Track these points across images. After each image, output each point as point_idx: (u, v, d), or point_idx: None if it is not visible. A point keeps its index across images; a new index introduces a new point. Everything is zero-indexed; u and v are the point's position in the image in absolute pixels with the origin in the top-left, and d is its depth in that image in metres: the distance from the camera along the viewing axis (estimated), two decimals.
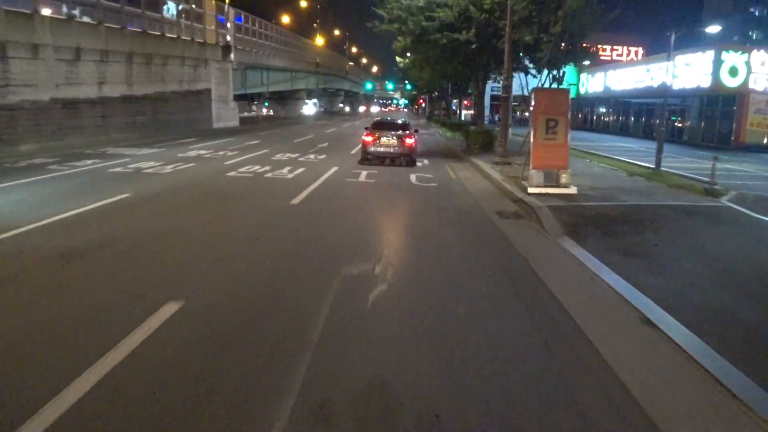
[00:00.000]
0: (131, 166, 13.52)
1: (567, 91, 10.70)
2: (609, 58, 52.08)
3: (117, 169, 12.85)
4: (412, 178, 12.83)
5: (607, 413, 3.08)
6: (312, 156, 17.17)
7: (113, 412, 2.92)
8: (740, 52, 28.93)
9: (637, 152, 22.39)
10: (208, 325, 4.05)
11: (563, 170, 9.75)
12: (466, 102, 55.84)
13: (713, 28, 31.36)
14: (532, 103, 9.89)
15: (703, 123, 33.23)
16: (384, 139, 14.93)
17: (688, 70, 31.38)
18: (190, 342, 3.77)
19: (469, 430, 2.87)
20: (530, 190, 9.58)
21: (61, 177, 11.43)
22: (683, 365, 3.67)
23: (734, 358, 3.68)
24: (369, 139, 14.99)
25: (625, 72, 40.97)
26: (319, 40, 77.87)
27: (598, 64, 48.69)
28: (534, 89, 10.51)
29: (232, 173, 12.61)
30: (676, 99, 36.84)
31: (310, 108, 68.40)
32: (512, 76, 14.19)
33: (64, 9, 20.18)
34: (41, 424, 2.77)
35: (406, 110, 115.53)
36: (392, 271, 5.49)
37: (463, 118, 34.88)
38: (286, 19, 68.66)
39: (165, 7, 27.68)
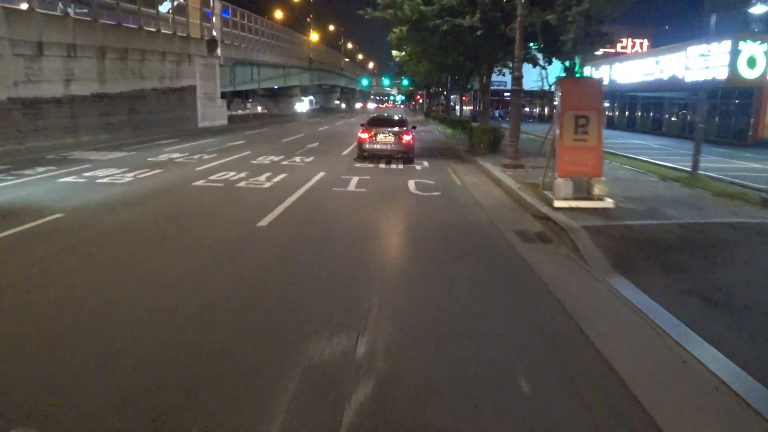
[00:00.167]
0: (88, 174, 11.68)
1: (599, 81, 8.90)
2: (613, 51, 50.19)
3: (68, 179, 11.01)
4: (411, 184, 11.02)
5: None
6: (298, 159, 15.33)
7: None
8: (759, 42, 27.10)
9: (653, 150, 20.61)
10: None
11: (596, 179, 7.94)
12: (464, 97, 54.00)
13: (759, 8, 29.39)
14: (557, 96, 8.07)
15: (717, 118, 31.44)
16: (381, 137, 14.36)
17: (703, 62, 29.54)
18: None
19: None
20: (557, 203, 7.77)
21: None
22: None
23: None
24: (365, 136, 14.42)
25: (632, 65, 39.14)
26: (314, 36, 75.91)
27: (603, 56, 46.94)
28: (559, 79, 8.70)
29: (200, 182, 10.77)
30: (683, 93, 35.12)
31: (303, 105, 66.41)
32: (521, 66, 12.36)
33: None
34: None
35: (402, 107, 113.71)
36: (383, 353, 3.61)
37: (461, 114, 32.99)
38: (279, 14, 66.68)
39: None
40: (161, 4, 26.84)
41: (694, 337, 3.95)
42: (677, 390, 3.31)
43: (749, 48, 26.84)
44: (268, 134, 26.54)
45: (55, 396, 2.94)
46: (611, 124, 44.41)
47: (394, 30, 25.85)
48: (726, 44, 27.41)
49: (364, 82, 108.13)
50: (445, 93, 58.05)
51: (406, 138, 14.40)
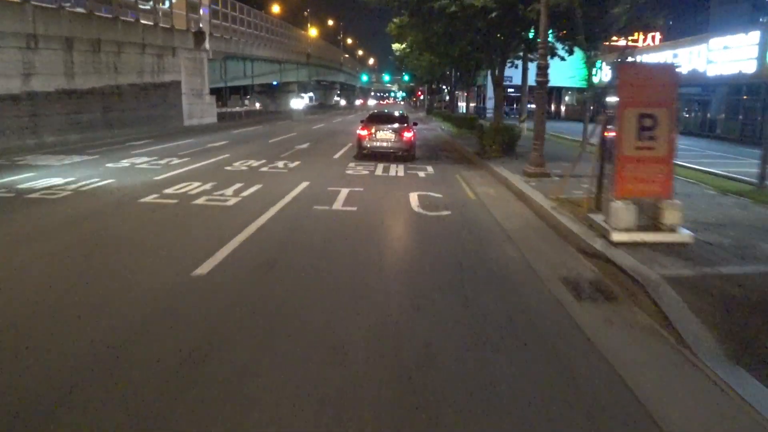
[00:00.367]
0: (22, 186, 9.58)
1: (672, 68, 6.74)
2: (623, 44, 47.83)
3: None
4: (413, 199, 8.88)
5: None
6: (281, 163, 13.18)
7: None
8: None
9: (680, 151, 18.40)
10: None
11: (668, 202, 5.80)
12: (467, 93, 51.68)
13: None
14: (610, 87, 5.92)
15: (741, 115, 29.24)
16: (380, 134, 13.85)
17: (727, 54, 27.34)
18: None
19: None
20: (615, 236, 5.62)
21: None
22: None
23: None
24: (364, 133, 13.92)
25: (646, 58, 36.86)
26: (312, 31, 73.60)
27: (613, 49, 44.71)
28: (619, 64, 6.53)
29: (150, 198, 8.63)
30: (697, 88, 33.02)
31: (299, 102, 64.28)
32: (547, 54, 10.21)
33: None
34: None
35: (403, 103, 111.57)
36: None
37: (467, 110, 30.81)
38: (276, 8, 64.29)
39: None
40: None
41: None
42: None
43: None
44: (257, 133, 24.39)
45: None
46: None
47: (394, 20, 23.74)
48: (754, 35, 25.25)
49: (364, 77, 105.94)
50: (447, 89, 55.76)
51: (407, 135, 13.84)
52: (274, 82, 60.84)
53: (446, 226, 7.24)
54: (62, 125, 19.13)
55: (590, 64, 21.69)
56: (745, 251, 5.55)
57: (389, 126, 14.12)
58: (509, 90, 52.24)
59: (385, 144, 13.90)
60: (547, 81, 10.23)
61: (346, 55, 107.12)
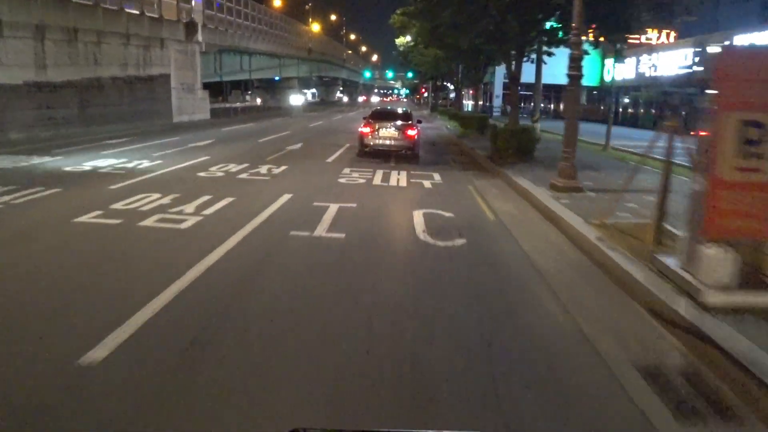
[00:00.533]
0: None
1: None
2: (637, 41, 45.93)
3: None
4: (418, 220, 7.16)
5: None
6: (265, 168, 11.45)
7: None
8: None
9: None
10: None
11: None
12: (472, 91, 49.75)
13: None
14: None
15: None
16: (383, 131, 13.55)
17: None
18: None
19: None
20: (711, 298, 3.89)
21: None
22: None
23: None
24: (367, 130, 13.60)
25: (665, 56, 34.99)
26: (315, 27, 71.74)
27: (627, 47, 42.90)
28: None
29: (90, 216, 6.91)
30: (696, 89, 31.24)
31: (298, 98, 62.61)
32: (581, 41, 8.46)
33: None
34: None
35: (406, 100, 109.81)
36: None
37: (477, 109, 29.01)
38: (277, 1, 62.42)
39: None
40: None
41: None
42: None
43: None
44: (249, 131, 22.65)
45: None
46: (635, 121, 40.33)
47: (397, 11, 22.03)
48: None
49: (367, 74, 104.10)
50: (452, 85, 53.76)
51: (411, 132, 13.48)
52: (276, 78, 59.08)
53: (462, 264, 5.51)
54: (31, 121, 17.45)
55: (615, 58, 19.91)
56: None
57: (392, 123, 13.76)
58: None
59: (388, 142, 13.56)
60: (581, 75, 8.47)
61: (349, 51, 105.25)
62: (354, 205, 7.95)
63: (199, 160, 12.76)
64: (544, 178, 10.09)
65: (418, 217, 7.35)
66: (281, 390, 3.04)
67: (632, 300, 4.52)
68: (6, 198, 7.92)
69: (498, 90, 45.48)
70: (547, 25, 13.47)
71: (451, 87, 53.98)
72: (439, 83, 52.53)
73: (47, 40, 18.04)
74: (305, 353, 3.48)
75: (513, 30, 12.40)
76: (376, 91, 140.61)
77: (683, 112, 35.04)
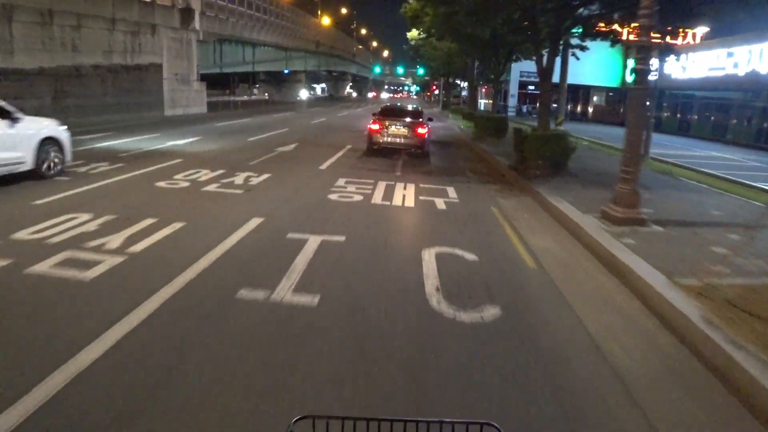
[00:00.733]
0: None
1: None
2: (660, 41, 43.35)
3: None
4: (429, 268, 5.06)
5: None
6: (241, 177, 9.39)
7: None
8: None
9: (750, 170, 14.49)
10: None
11: None
12: (484, 89, 47.42)
13: None
14: None
15: None
16: (393, 128, 13.22)
17: None
18: None
19: None
20: None
21: None
22: None
23: None
24: (376, 127, 13.28)
25: (694, 57, 32.58)
26: (325, 20, 69.57)
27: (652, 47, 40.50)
28: None
29: None
30: (738, 92, 29.02)
31: (302, 92, 60.74)
32: (650, 25, 6.35)
33: None
34: None
35: (416, 97, 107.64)
36: None
37: (495, 109, 26.80)
38: None
39: None
40: None
41: None
42: None
43: None
44: (243, 127, 20.61)
45: None
46: (657, 126, 37.89)
47: (410, 0, 19.93)
48: None
49: (377, 69, 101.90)
50: (464, 83, 51.35)
51: (421, 131, 13.07)
52: (286, 71, 57.09)
53: (498, 362, 3.42)
54: None
55: (663, 55, 17.72)
56: None
57: (402, 121, 13.33)
58: (529, 87, 48.25)
59: (397, 140, 13.15)
60: (647, 70, 6.37)
61: (360, 46, 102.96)
62: (342, 238, 5.86)
63: (169, 163, 10.75)
64: (587, 199, 7.99)
65: (429, 261, 5.27)
66: None
67: None
68: None
69: (513, 88, 43.17)
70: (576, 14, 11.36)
71: (464, 84, 51.75)
72: (451, 80, 50.29)
73: (15, 22, 16.09)
74: None
75: (546, 18, 10.28)
76: (386, 87, 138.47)
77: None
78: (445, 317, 4.01)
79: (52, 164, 8.79)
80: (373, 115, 13.88)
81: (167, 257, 5.01)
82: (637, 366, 3.49)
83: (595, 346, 3.71)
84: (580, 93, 46.07)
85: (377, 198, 8.18)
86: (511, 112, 40.72)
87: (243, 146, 14.37)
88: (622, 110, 45.43)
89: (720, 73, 29.38)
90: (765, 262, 5.18)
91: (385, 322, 3.90)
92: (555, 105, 49.21)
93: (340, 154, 13.47)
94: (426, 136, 13.16)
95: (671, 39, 39.28)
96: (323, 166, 11.20)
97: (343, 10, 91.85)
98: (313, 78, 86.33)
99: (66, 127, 9.44)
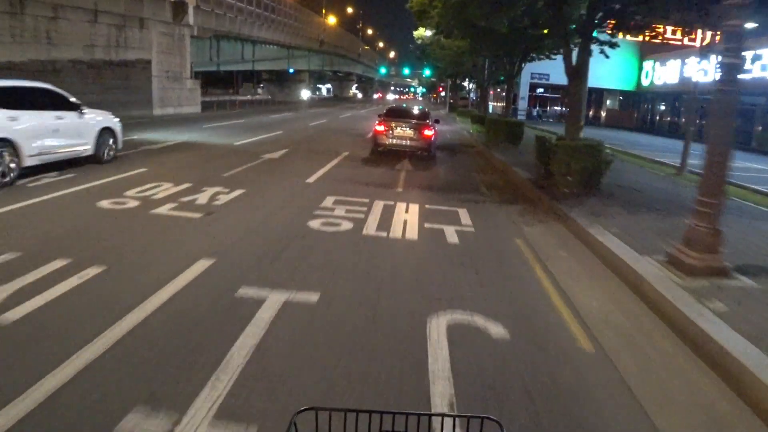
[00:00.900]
0: None
1: None
2: (679, 43, 41.49)
3: None
4: (438, 354, 3.35)
5: None
6: (206, 195, 7.68)
7: None
8: None
9: None
10: None
11: None
12: (491, 90, 45.50)
13: None
14: None
15: None
16: (398, 130, 12.92)
17: None
18: None
19: None
20: None
21: None
22: None
23: None
24: (381, 128, 13.03)
25: (715, 60, 30.48)
26: (331, 20, 67.96)
27: (670, 49, 38.65)
28: None
29: None
30: (763, 97, 27.30)
31: (304, 92, 59.24)
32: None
33: None
34: None
35: (421, 99, 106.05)
36: None
37: (510, 112, 25.03)
38: None
39: None
40: None
41: None
42: None
43: None
44: (233, 129, 18.95)
45: None
46: (674, 132, 36.05)
47: None
48: None
49: (382, 70, 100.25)
50: (471, 85, 49.54)
51: (427, 132, 12.86)
52: (291, 70, 55.49)
53: None
54: None
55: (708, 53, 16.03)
56: None
57: (408, 122, 13.01)
58: (539, 90, 46.34)
59: (403, 141, 12.85)
60: (742, 65, 4.65)
61: (366, 47, 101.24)
62: (314, 297, 4.15)
63: (129, 174, 9.08)
64: (638, 231, 6.27)
65: (437, 340, 3.55)
66: None
67: None
68: None
69: (524, 91, 41.32)
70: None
71: (471, 86, 49.94)
72: (459, 81, 48.54)
73: None
74: None
75: (576, 8, 8.58)
76: (392, 88, 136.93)
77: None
78: None
79: (107, 151, 10.09)
80: (379, 116, 13.58)
81: (44, 338, 3.32)
82: None
83: None
84: (593, 96, 44.23)
85: (371, 226, 6.46)
86: (521, 115, 38.90)
87: (225, 152, 12.70)
88: (635, 114, 43.63)
89: (747, 77, 27.54)
90: None
91: None
92: (557, 108, 47.43)
93: (334, 162, 11.78)
94: (433, 138, 12.90)
95: (689, 39, 36.67)
96: (311, 179, 9.49)
97: (349, 10, 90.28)
98: (318, 78, 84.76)
99: (119, 119, 10.63)
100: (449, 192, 9.19)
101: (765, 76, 25.98)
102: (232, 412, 2.66)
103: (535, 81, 40.95)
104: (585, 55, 9.43)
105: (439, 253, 5.62)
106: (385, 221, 6.72)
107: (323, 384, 2.99)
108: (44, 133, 8.40)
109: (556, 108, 47.08)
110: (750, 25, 13.27)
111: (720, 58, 4.74)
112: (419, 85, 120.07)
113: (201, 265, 4.69)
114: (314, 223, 6.38)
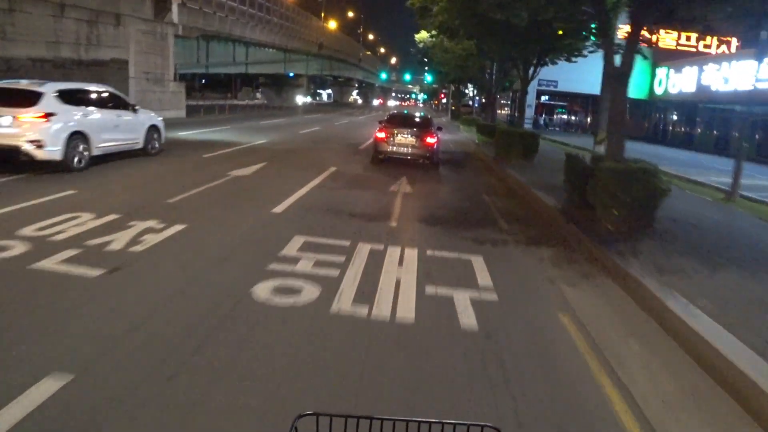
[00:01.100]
0: None
1: None
2: (694, 50, 39.49)
3: None
4: None
5: None
6: (128, 235, 5.61)
7: None
8: None
9: None
10: None
11: None
12: (491, 98, 43.49)
13: None
14: None
15: None
16: (400, 137, 12.51)
17: None
18: None
19: None
20: None
21: None
22: None
23: None
24: (382, 135, 12.62)
25: (737, 67, 28.70)
26: (332, 24, 66.17)
27: (685, 56, 36.73)
28: None
29: None
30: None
31: (298, 98, 57.50)
32: None
33: None
34: None
35: (423, 105, 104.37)
36: None
37: (519, 120, 23.04)
38: None
39: None
40: None
41: None
42: None
43: None
44: (210, 138, 16.93)
45: None
46: (688, 143, 34.08)
47: None
48: None
49: (383, 75, 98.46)
50: (473, 91, 47.68)
51: (430, 140, 12.47)
52: (290, 74, 53.62)
53: None
54: None
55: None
56: None
57: (410, 129, 12.76)
58: (543, 97, 44.38)
59: (404, 149, 12.59)
60: None
61: (367, 52, 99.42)
62: None
63: (49, 198, 7.07)
64: (739, 304, 4.24)
65: None
66: None
67: None
68: None
69: (530, 98, 39.33)
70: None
71: (473, 92, 48.05)
72: (462, 87, 46.61)
73: None
74: None
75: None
76: (393, 94, 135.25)
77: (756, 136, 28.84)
78: None
79: (154, 144, 11.58)
80: (380, 123, 13.29)
81: None
82: None
83: None
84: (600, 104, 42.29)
85: (346, 294, 4.41)
86: (527, 124, 36.93)
87: (187, 167, 10.68)
88: (646, 124, 41.66)
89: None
90: None
91: None
92: (573, 117, 45.55)
93: (316, 181, 9.76)
94: (435, 145, 12.62)
95: (705, 46, 34.25)
96: (280, 207, 7.42)
97: (350, 14, 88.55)
98: (318, 83, 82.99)
99: (162, 118, 12.24)
100: (458, 226, 7.16)
101: None
102: None
103: (542, 88, 39.05)
104: (631, 54, 7.41)
105: (446, 354, 3.57)
106: (369, 283, 4.68)
107: None
108: (108, 128, 9.87)
109: (563, 117, 45.21)
110: None
111: None
112: (420, 91, 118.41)
113: (43, 390, 2.66)
114: (263, 289, 4.34)
